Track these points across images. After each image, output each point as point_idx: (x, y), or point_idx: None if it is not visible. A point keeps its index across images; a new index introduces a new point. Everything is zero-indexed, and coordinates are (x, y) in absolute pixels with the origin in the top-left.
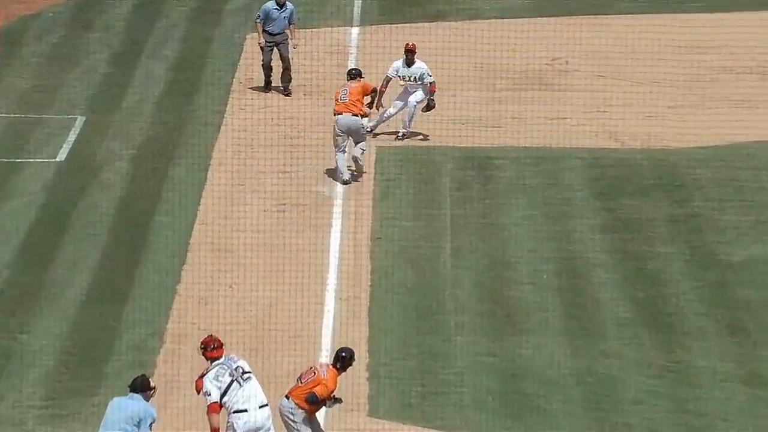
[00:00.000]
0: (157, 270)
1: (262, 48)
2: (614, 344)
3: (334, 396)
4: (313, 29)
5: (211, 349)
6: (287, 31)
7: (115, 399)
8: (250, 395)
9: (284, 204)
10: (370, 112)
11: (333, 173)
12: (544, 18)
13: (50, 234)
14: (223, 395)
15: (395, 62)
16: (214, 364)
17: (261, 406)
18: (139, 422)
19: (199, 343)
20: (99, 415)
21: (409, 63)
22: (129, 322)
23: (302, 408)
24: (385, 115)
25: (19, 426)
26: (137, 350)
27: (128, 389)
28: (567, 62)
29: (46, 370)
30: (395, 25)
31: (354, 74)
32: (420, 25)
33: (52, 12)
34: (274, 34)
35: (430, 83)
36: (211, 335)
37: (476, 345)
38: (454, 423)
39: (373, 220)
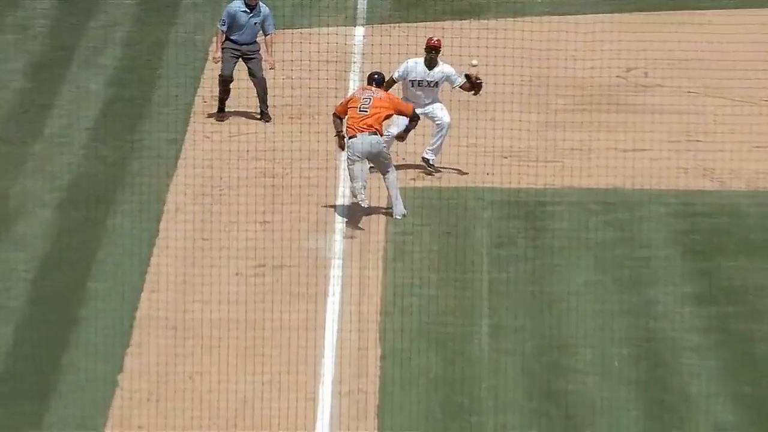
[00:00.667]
0: (92, 354)
1: (219, 60)
2: None
3: None
4: (303, 30)
5: None
6: (260, 43)
7: None
8: None
9: (263, 266)
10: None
11: (329, 219)
12: (614, 14)
13: None
14: None
15: (406, 62)
16: None
17: None
18: None
19: None
20: None
21: (430, 64)
22: (55, 425)
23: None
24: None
25: None
26: None
27: None
28: (646, 74)
29: None
30: (413, 25)
31: (379, 80)
32: (446, 23)
33: None
34: (242, 44)
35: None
36: None
37: None
38: None
39: (384, 288)
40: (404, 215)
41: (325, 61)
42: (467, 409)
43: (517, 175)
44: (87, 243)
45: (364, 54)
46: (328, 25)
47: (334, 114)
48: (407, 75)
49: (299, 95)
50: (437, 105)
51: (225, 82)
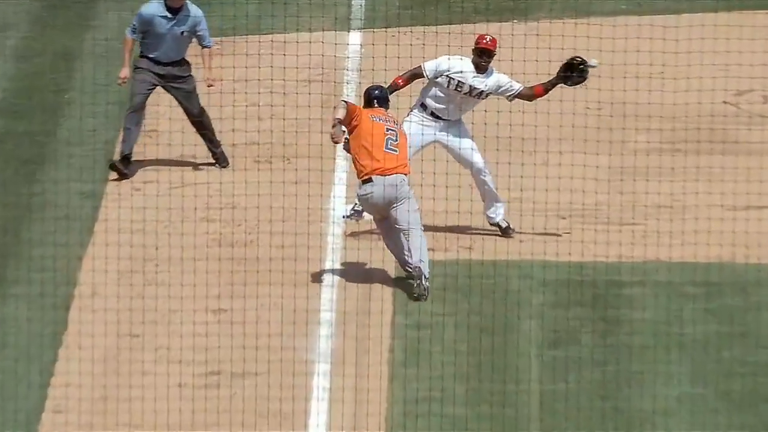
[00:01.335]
0: None
1: (122, 82)
2: None
3: None
4: (275, 35)
5: None
6: (189, 63)
7: None
8: None
9: (217, 374)
10: None
11: (312, 305)
12: (720, 13)
13: None
14: None
15: (446, 59)
16: None
17: None
18: None
19: None
20: None
21: (481, 68)
22: None
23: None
24: None
25: None
26: None
27: None
28: (765, 99)
29: None
30: (431, 29)
31: (385, 99)
32: (479, 26)
33: None
34: (162, 64)
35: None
36: None
37: None
38: None
39: (390, 405)
40: (427, 283)
41: (306, 81)
42: None
43: (580, 244)
44: None
45: (361, 71)
46: (310, 30)
47: (339, 121)
48: (449, 69)
49: (269, 129)
50: (467, 142)
51: (134, 114)
